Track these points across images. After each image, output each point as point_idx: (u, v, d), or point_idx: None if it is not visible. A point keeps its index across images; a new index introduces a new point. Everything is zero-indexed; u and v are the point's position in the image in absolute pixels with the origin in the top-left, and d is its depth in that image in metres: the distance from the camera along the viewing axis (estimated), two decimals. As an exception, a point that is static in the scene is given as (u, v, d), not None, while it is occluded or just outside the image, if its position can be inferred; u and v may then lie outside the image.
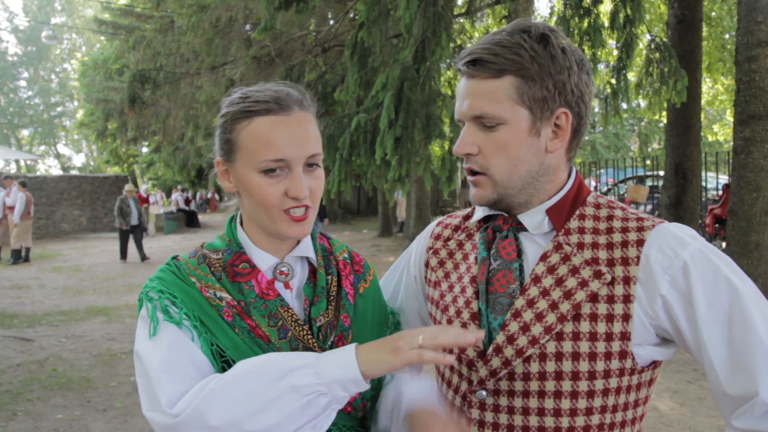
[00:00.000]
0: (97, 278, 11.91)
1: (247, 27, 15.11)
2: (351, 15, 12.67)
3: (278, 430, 0.98)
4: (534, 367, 1.11)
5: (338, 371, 0.99)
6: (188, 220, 24.81)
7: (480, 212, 1.28)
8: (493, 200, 1.18)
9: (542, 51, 1.11)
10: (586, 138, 37.80)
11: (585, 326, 1.09)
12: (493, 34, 1.15)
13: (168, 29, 15.99)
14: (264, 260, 1.21)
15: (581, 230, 1.16)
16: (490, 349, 1.15)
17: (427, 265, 1.36)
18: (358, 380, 0.99)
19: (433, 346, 0.98)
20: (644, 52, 9.60)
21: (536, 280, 1.14)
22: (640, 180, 13.93)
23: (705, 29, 14.75)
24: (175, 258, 1.24)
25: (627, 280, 1.09)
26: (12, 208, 14.20)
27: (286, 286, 1.22)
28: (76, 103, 51.10)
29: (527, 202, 1.18)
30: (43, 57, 52.60)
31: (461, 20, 16.01)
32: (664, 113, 10.77)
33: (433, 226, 1.41)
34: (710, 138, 25.49)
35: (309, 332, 1.17)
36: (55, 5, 54.17)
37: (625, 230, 1.13)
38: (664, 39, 9.64)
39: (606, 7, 10.93)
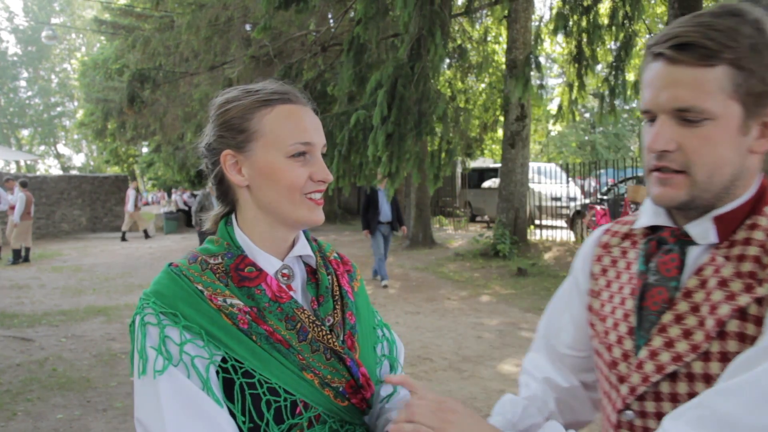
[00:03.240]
0: (97, 278, 11.89)
1: (247, 27, 15.10)
2: (351, 15, 12.66)
3: None
4: (682, 388, 1.01)
5: None
6: (188, 220, 24.80)
7: (646, 218, 1.15)
8: (682, 202, 1.04)
9: (760, 38, 0.97)
10: (586, 138, 37.80)
11: (733, 346, 0.96)
12: (693, 17, 1.01)
13: (167, 29, 15.98)
14: (270, 263, 1.19)
15: (747, 241, 1.01)
16: (627, 367, 1.09)
17: (592, 275, 1.26)
18: None
19: None
20: (643, 51, 9.59)
21: (687, 294, 1.03)
22: (640, 180, 13.91)
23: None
24: (171, 265, 1.16)
25: (762, 301, 0.96)
26: (13, 208, 14.19)
27: (289, 288, 1.20)
28: (76, 103, 51.11)
29: (710, 207, 1.05)
30: (43, 57, 52.60)
31: (460, 20, 16.00)
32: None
33: (600, 234, 1.30)
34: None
35: (328, 332, 1.16)
36: (55, 5, 54.14)
37: None
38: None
39: (605, 7, 10.92)
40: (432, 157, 10.51)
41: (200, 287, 1.11)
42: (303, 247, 1.25)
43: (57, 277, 12.14)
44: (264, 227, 1.20)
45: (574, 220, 14.90)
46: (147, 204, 48.09)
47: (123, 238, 19.68)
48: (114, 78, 21.63)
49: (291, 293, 1.18)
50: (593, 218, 12.86)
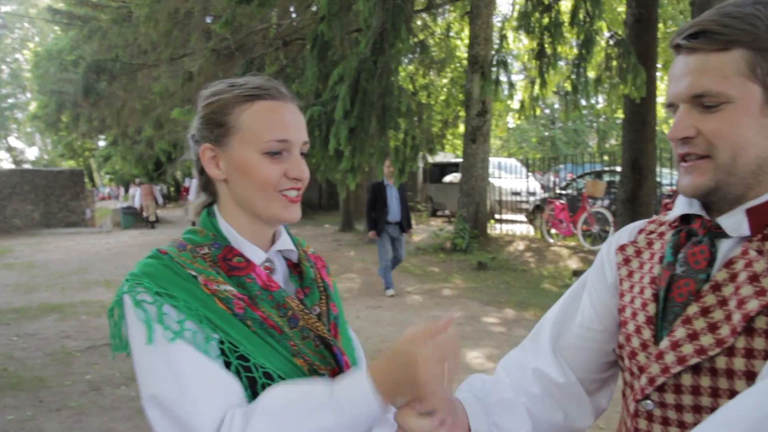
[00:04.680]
0: (51, 275, 11.59)
1: (208, 19, 14.86)
2: (313, 9, 12.58)
3: None
4: (704, 382, 1.00)
5: (357, 408, 0.98)
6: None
7: (679, 209, 1.14)
8: (708, 189, 1.03)
9: None
10: (546, 134, 38.38)
11: (760, 343, 0.94)
12: (716, 8, 1.02)
13: (125, 20, 15.64)
14: (257, 254, 1.20)
15: None
16: (647, 357, 1.08)
17: (616, 264, 1.24)
18: (378, 412, 0.99)
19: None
20: (603, 48, 9.77)
21: (716, 287, 1.01)
22: (598, 175, 14.18)
23: (661, 28, 15.10)
24: (159, 251, 1.15)
25: None
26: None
27: (270, 280, 1.21)
28: (28, 95, 49.60)
29: (741, 197, 1.03)
30: (-7, 46, 50.91)
31: (423, 15, 16.05)
32: (622, 110, 10.99)
33: (631, 228, 1.29)
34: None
35: (317, 320, 1.19)
36: (6, -7, 52.39)
37: None
38: (623, 36, 9.83)
39: (567, 4, 11.08)
40: (397, 152, 10.51)
41: (193, 273, 1.11)
42: (285, 242, 1.27)
43: (8, 274, 11.79)
44: (244, 221, 1.21)
45: (533, 215, 15.10)
46: (104, 199, 47.06)
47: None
48: (69, 69, 21.11)
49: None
50: (552, 213, 13.06)
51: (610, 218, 11.84)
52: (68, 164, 37.80)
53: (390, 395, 0.99)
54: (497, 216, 16.61)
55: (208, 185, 1.26)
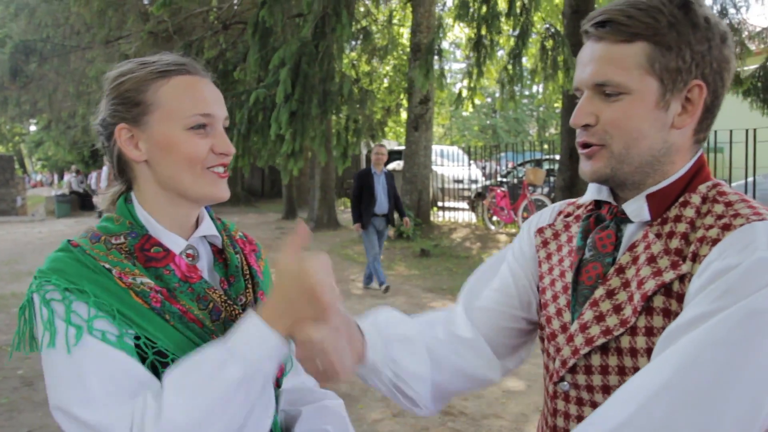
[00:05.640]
0: (-21, 265, 11.11)
1: (145, 0, 14.42)
2: (254, -8, 12.36)
3: (233, 426, 0.97)
4: (612, 361, 1.04)
5: (257, 349, 0.97)
6: (82, 202, 23.57)
7: (589, 194, 1.18)
8: (606, 176, 1.07)
9: (683, 18, 1.01)
10: (487, 122, 38.93)
11: (658, 321, 0.99)
12: None
13: (55, -2, 15.01)
14: (176, 243, 1.15)
15: (677, 219, 1.04)
16: (564, 339, 1.11)
17: (535, 246, 1.27)
18: (280, 345, 0.98)
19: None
20: (540, 40, 9.98)
21: (619, 270, 1.06)
22: (538, 163, 14.51)
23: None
24: (70, 243, 1.09)
25: (684, 278, 0.98)
26: None
27: (195, 268, 1.16)
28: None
29: (640, 183, 1.08)
30: None
31: (366, 1, 16.00)
32: (560, 100, 11.26)
33: (550, 211, 1.32)
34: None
35: (241, 311, 1.15)
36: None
37: (710, 227, 0.99)
38: (559, 28, 10.05)
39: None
40: (339, 137, 10.48)
41: (107, 266, 1.05)
42: (208, 227, 1.22)
43: (-67, 264, 11.24)
44: (165, 204, 1.16)
45: (475, 202, 15.35)
46: (36, 186, 45.25)
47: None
48: (-5, 49, 20.11)
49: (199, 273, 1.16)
50: (494, 200, 13.31)
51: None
52: (-4, 149, 36.12)
53: (287, 324, 0.98)
54: (440, 203, 16.80)
55: (123, 170, 1.19)
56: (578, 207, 1.25)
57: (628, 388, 0.92)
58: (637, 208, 1.07)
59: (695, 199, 1.04)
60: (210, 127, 1.14)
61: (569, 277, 1.15)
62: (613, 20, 1.02)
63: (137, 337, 1.03)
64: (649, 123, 1.03)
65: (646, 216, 1.07)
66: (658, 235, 1.04)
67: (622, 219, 1.10)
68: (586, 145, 1.09)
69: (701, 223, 1.01)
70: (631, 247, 1.06)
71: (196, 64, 1.19)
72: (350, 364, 1.03)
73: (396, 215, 8.73)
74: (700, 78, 1.02)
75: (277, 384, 1.22)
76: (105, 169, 19.26)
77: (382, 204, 8.26)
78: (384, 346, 1.17)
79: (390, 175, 8.43)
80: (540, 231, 1.26)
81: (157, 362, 1.03)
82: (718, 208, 1.01)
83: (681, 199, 1.05)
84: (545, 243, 1.24)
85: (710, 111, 1.06)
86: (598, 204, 1.18)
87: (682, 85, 1.02)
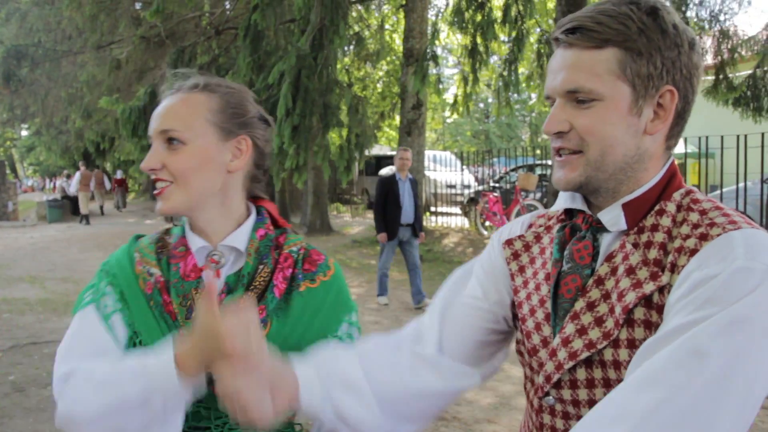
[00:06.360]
0: (-31, 271, 11.03)
1: (137, 5, 14.40)
2: (247, -3, 12.36)
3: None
4: (597, 374, 1.03)
5: (165, 378, 1.04)
6: (74, 208, 23.44)
7: (562, 202, 1.16)
8: (579, 183, 1.06)
9: (652, 24, 1.01)
10: (480, 127, 39.05)
11: (640, 333, 0.98)
12: (597, 4, 1.05)
13: (47, 2, 14.96)
14: (195, 243, 1.25)
15: (654, 228, 1.03)
16: (546, 354, 1.09)
17: (505, 259, 1.24)
18: (182, 383, 1.05)
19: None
20: (535, 46, 10.02)
21: (599, 281, 1.05)
22: (531, 168, 14.56)
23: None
24: (138, 237, 1.33)
25: (663, 290, 0.97)
26: None
27: (217, 274, 1.23)
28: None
29: (615, 192, 1.07)
30: None
31: (359, 7, 16.04)
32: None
33: (520, 223, 1.29)
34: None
35: None
36: None
37: (687, 237, 0.99)
38: (552, 34, 10.10)
39: (499, 2, 11.29)
40: (342, 150, 10.44)
41: (137, 254, 1.26)
42: (234, 239, 1.25)
43: None
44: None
45: (467, 207, 15.38)
46: (28, 191, 45.00)
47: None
48: (-14, 54, 20.03)
49: (215, 279, 1.23)
50: (486, 205, 13.34)
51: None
52: (-13, 154, 35.91)
53: (194, 367, 1.04)
54: (432, 209, 16.82)
55: None
56: (549, 218, 1.23)
57: (614, 404, 0.90)
58: (613, 217, 1.06)
59: (671, 207, 1.04)
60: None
61: (545, 290, 1.13)
62: (583, 26, 1.02)
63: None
64: (623, 129, 1.03)
65: (623, 225, 1.05)
66: (635, 245, 1.03)
67: (598, 228, 1.09)
68: (560, 152, 1.08)
69: (678, 232, 1.00)
70: (609, 258, 1.05)
71: (185, 83, 1.26)
72: (269, 413, 1.04)
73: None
74: (671, 84, 1.03)
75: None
76: (77, 174, 19.32)
77: (407, 212, 7.67)
78: (322, 389, 1.14)
79: (414, 182, 7.91)
80: (509, 243, 1.24)
81: (134, 341, 1.18)
82: (693, 217, 1.00)
83: (657, 208, 1.05)
84: (516, 255, 1.22)
85: (681, 117, 1.07)
86: (569, 214, 1.16)
87: (654, 91, 1.02)
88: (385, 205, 7.58)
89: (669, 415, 0.85)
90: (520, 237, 1.23)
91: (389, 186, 7.58)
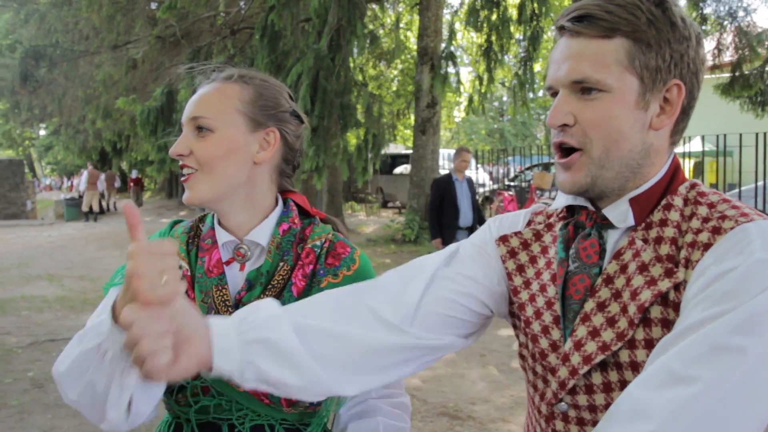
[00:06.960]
0: (-11, 269, 11.18)
1: (153, 5, 14.50)
2: (262, -4, 12.40)
3: (96, 386, 1.01)
4: (613, 377, 0.98)
5: (105, 319, 0.98)
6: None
7: (564, 199, 1.11)
8: (586, 185, 1.01)
9: (661, 16, 0.97)
10: (495, 126, 38.91)
11: (657, 332, 0.94)
12: None
13: (65, 3, 15.11)
14: (221, 237, 1.25)
15: (663, 222, 0.99)
16: (558, 360, 1.04)
17: (500, 257, 1.16)
18: (110, 328, 0.96)
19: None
20: (550, 43, 9.97)
21: (608, 280, 1.00)
22: (546, 167, 14.50)
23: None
24: (175, 223, 1.35)
25: (679, 287, 0.94)
26: None
27: (242, 267, 1.24)
28: (-38, 81, 47.42)
29: (621, 189, 1.02)
30: None
31: (374, 6, 16.04)
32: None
33: (516, 218, 1.21)
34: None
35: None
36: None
37: (698, 231, 0.95)
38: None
39: (514, 0, 11.24)
40: (359, 150, 10.43)
41: None
42: (257, 233, 1.25)
43: (-57, 268, 11.32)
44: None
45: (482, 206, 15.34)
46: (46, 190, 45.50)
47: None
48: (5, 54, 20.26)
49: (240, 273, 1.23)
50: (501, 204, 13.28)
51: (557, 209, 12.14)
52: (6, 154, 36.36)
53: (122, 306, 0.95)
54: (447, 207, 16.78)
55: None
56: (549, 216, 1.16)
57: (633, 401, 0.86)
58: (620, 213, 1.02)
59: (677, 201, 1.00)
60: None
61: (552, 291, 1.08)
62: (592, 14, 0.98)
63: None
64: (630, 124, 0.99)
65: (631, 221, 1.01)
66: (645, 241, 0.99)
67: (603, 225, 1.05)
68: (563, 147, 1.03)
69: (687, 226, 0.97)
70: (617, 255, 1.01)
71: (219, 74, 1.29)
72: (165, 369, 0.88)
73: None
74: (678, 78, 0.99)
75: (317, 404, 1.22)
76: (85, 173, 19.47)
77: (466, 215, 7.07)
78: (240, 350, 0.97)
79: (471, 182, 7.35)
80: (504, 240, 1.16)
81: None
82: (702, 210, 0.97)
83: (664, 202, 1.01)
84: (513, 253, 1.15)
85: (686, 113, 1.03)
86: (570, 211, 1.12)
87: (661, 85, 0.99)
88: (442, 207, 7.01)
89: (699, 412, 0.82)
90: (516, 234, 1.16)
91: (446, 188, 7.02)
